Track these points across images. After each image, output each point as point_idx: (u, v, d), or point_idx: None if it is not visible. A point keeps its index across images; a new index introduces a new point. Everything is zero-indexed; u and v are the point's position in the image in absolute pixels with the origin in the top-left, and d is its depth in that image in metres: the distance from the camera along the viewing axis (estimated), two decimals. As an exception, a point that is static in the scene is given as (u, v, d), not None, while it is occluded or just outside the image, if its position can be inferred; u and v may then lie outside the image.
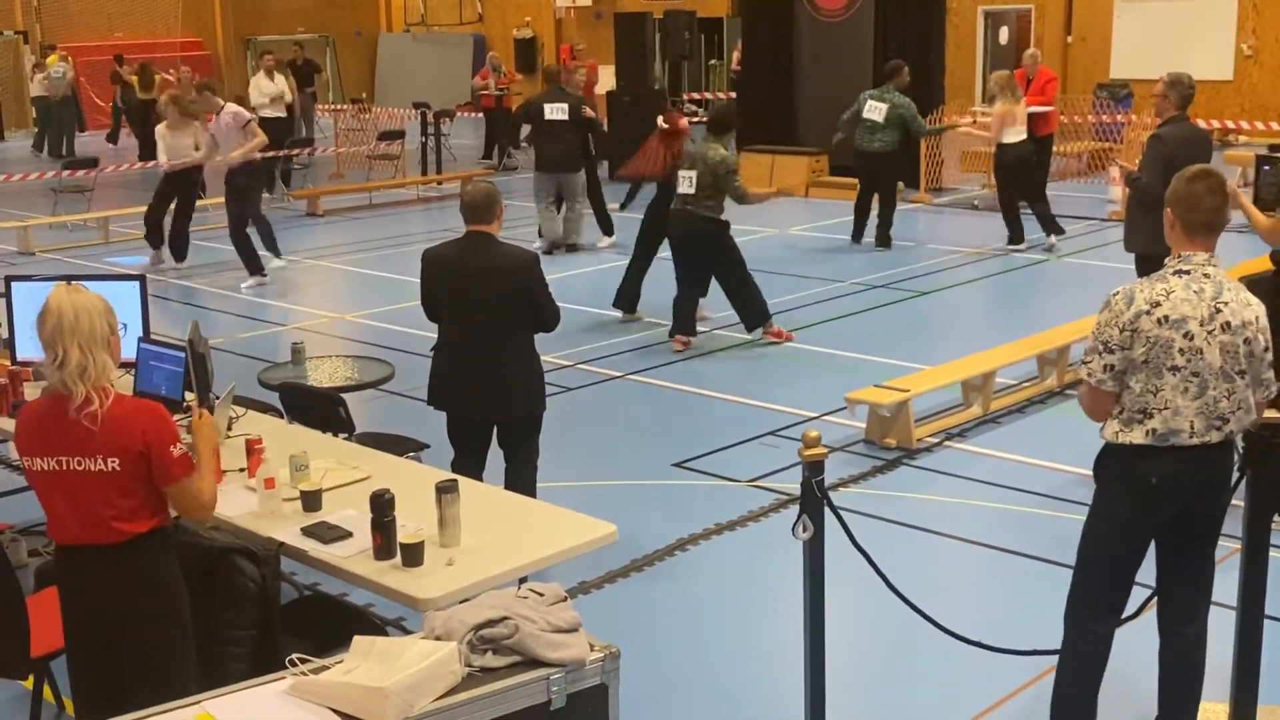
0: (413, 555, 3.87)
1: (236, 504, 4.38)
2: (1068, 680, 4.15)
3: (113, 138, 24.46)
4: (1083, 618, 4.10)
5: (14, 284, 5.71)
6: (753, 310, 9.52)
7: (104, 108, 25.35)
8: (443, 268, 5.54)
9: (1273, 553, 4.22)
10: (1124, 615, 4.17)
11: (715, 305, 10.16)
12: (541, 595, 3.32)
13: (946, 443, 7.40)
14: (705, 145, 9.29)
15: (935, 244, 13.32)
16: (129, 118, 23.20)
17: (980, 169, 16.23)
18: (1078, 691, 4.13)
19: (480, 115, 21.90)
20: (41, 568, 5.00)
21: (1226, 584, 4.36)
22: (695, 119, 18.60)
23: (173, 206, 12.79)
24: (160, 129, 12.57)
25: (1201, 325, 3.78)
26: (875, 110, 12.87)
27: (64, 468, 3.55)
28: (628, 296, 10.25)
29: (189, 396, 5.17)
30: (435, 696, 3.00)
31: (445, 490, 4.02)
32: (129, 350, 4.97)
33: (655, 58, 20.37)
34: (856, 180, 13.70)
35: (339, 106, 23.88)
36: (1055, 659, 4.25)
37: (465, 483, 4.28)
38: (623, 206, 15.05)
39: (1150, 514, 3.95)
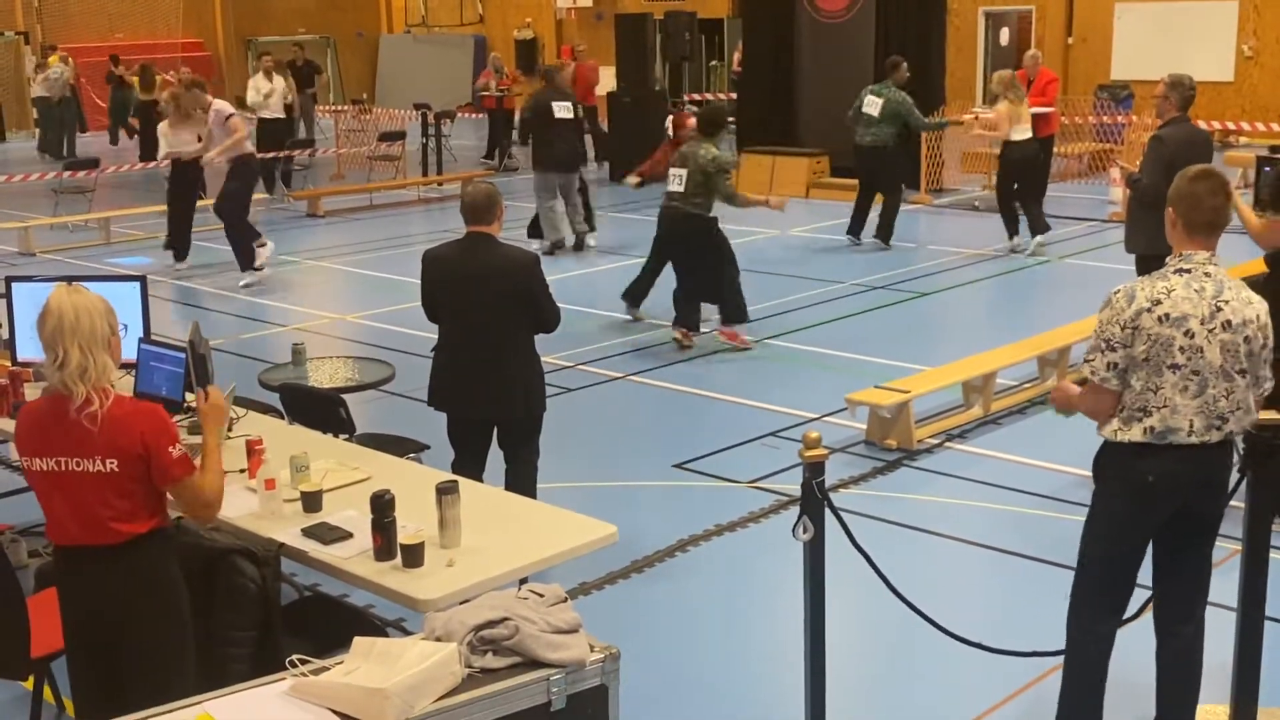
0: (413, 556, 3.87)
1: (237, 505, 4.38)
2: (1072, 681, 4.16)
3: (114, 138, 24.47)
4: (1084, 618, 4.11)
5: (14, 284, 5.71)
6: (731, 305, 9.52)
7: (105, 108, 25.36)
8: (443, 268, 5.54)
9: (1273, 554, 4.22)
10: (1124, 616, 4.18)
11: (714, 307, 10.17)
12: (542, 596, 3.32)
13: (947, 444, 7.40)
14: (696, 145, 9.32)
15: (936, 245, 13.32)
16: (120, 118, 23.27)
17: (981, 169, 16.23)
18: (1082, 692, 4.14)
19: (482, 116, 21.93)
20: (42, 568, 5.00)
21: (1227, 586, 4.36)
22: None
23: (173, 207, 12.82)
24: (162, 127, 12.60)
25: (1202, 324, 3.78)
26: (872, 105, 13.01)
27: (63, 468, 3.56)
28: (634, 294, 10.24)
29: (189, 397, 5.17)
30: (435, 697, 3.00)
31: (445, 491, 4.02)
32: (129, 351, 4.97)
33: (656, 59, 20.37)
34: (856, 181, 13.74)
35: (340, 107, 23.89)
36: (1056, 660, 4.26)
37: (465, 484, 4.28)
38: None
39: (1149, 512, 3.95)
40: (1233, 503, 4.14)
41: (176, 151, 12.23)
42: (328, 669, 3.11)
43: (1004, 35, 22.09)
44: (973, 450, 7.32)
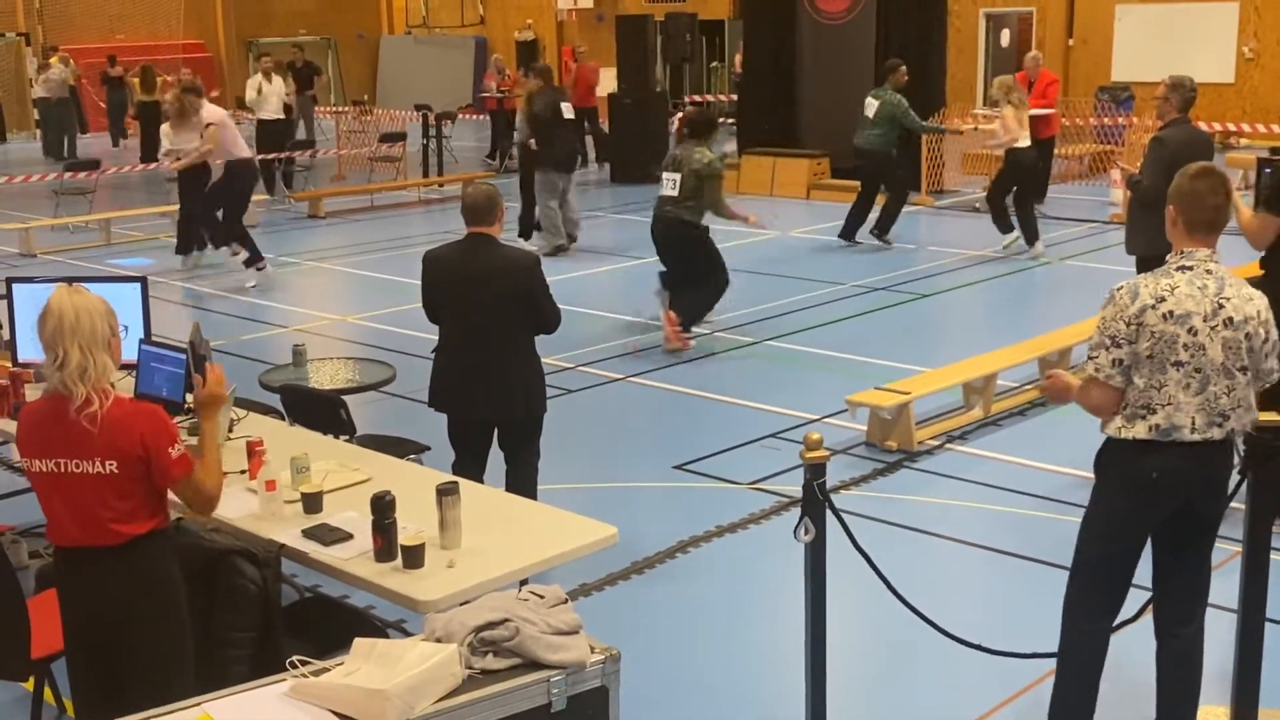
0: (413, 557, 3.87)
1: (237, 506, 4.38)
2: (1066, 679, 4.16)
3: (115, 139, 24.50)
4: (1078, 616, 4.11)
5: (15, 285, 5.71)
6: (693, 312, 9.50)
7: (105, 109, 25.39)
8: (444, 269, 5.54)
9: (1274, 556, 4.22)
10: (1124, 618, 4.18)
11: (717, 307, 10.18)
12: (542, 597, 3.32)
13: (947, 445, 7.40)
14: (689, 148, 9.28)
15: (936, 246, 13.33)
16: (119, 118, 23.31)
17: (982, 171, 16.22)
18: (1076, 691, 4.13)
19: (483, 117, 21.97)
20: (42, 569, 5.00)
21: (1227, 587, 4.36)
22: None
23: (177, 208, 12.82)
24: (165, 128, 12.62)
25: (1205, 321, 3.79)
26: (870, 107, 13.16)
27: (62, 470, 3.56)
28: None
29: (190, 398, 5.17)
30: (436, 699, 3.00)
31: (446, 492, 4.02)
32: (130, 352, 4.97)
33: (657, 60, 20.39)
34: (858, 182, 13.79)
35: (341, 108, 23.91)
36: (1055, 661, 4.25)
37: (466, 485, 4.28)
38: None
39: (1149, 510, 3.95)
40: (1233, 504, 4.14)
41: (177, 149, 12.24)
42: (328, 670, 3.11)
43: (1005, 37, 22.10)
44: (973, 452, 7.32)
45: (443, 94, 26.26)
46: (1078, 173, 17.53)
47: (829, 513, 4.01)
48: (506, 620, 3.17)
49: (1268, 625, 4.24)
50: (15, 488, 6.64)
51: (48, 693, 4.33)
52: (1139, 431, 3.86)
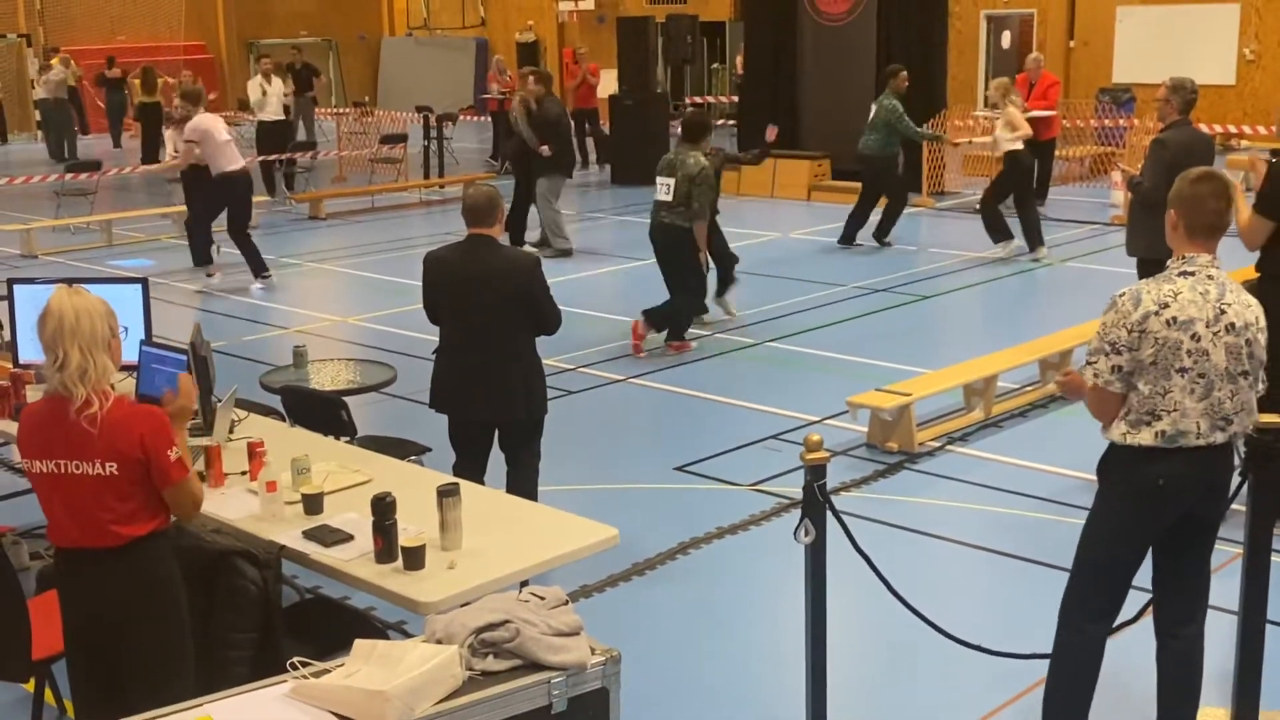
0: (414, 558, 3.87)
1: (238, 507, 4.39)
2: (1059, 682, 4.14)
3: (116, 140, 24.52)
4: (1075, 619, 4.10)
5: (16, 286, 5.72)
6: (676, 322, 9.51)
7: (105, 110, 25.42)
8: (444, 271, 5.54)
9: (1274, 557, 4.22)
10: (1123, 619, 4.18)
11: (715, 310, 10.19)
12: (543, 599, 3.32)
13: (948, 447, 7.40)
14: (682, 153, 9.25)
15: (937, 248, 13.33)
16: (118, 120, 23.31)
17: (983, 173, 16.23)
18: (1069, 694, 4.12)
19: (484, 119, 21.98)
20: (43, 571, 5.00)
21: (1228, 589, 4.36)
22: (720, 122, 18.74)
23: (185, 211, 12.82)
24: (169, 133, 12.63)
25: (1208, 327, 3.78)
26: (871, 112, 13.28)
27: (62, 471, 3.56)
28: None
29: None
30: (436, 700, 3.00)
31: (446, 493, 4.02)
32: (131, 353, 4.97)
33: (658, 62, 20.40)
34: (857, 184, 13.83)
35: (341, 110, 23.92)
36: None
37: (467, 486, 4.28)
38: None
39: (1155, 516, 3.95)
40: (1234, 506, 4.14)
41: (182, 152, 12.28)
42: (328, 671, 3.11)
43: (1005, 38, 22.11)
44: (974, 453, 7.32)
45: (444, 95, 26.29)
46: (1078, 174, 17.53)
47: (829, 514, 4.01)
48: (507, 622, 3.17)
49: (1269, 627, 4.24)
50: (16, 489, 6.65)
51: (48, 694, 4.33)
52: (1145, 438, 3.85)
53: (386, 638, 3.90)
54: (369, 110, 22.40)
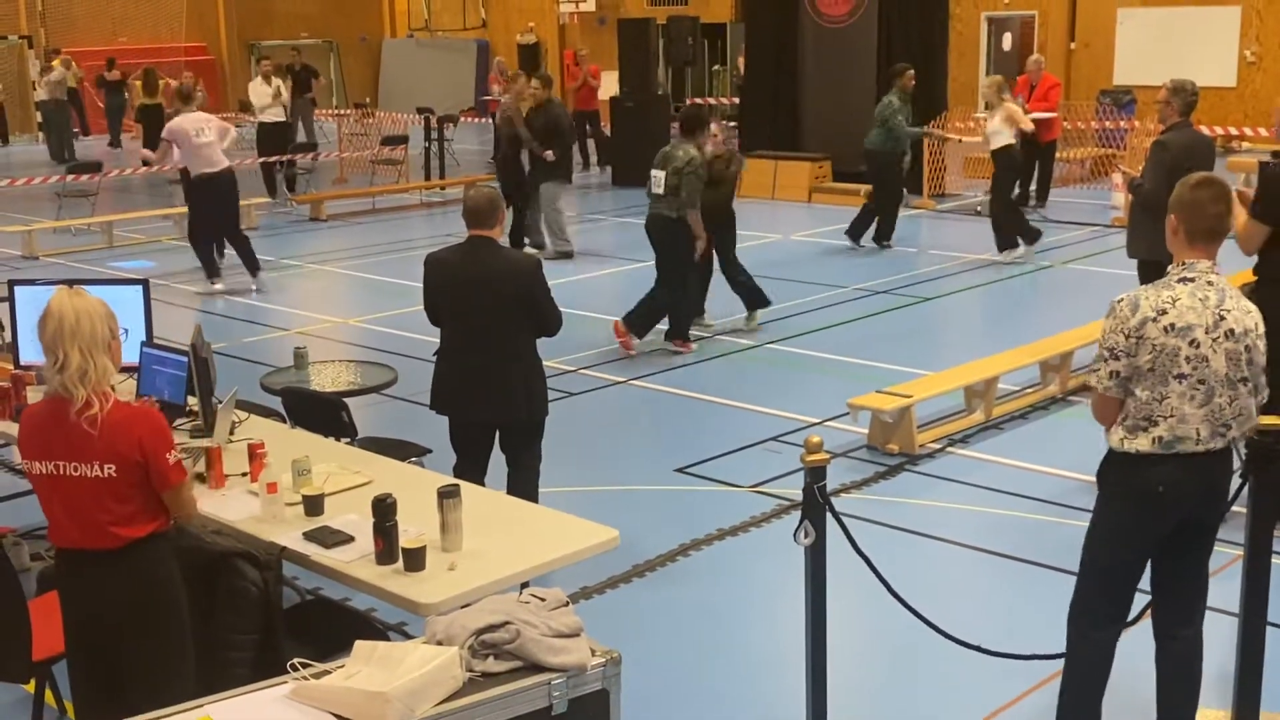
0: (414, 560, 3.87)
1: (239, 508, 4.39)
2: (1072, 686, 4.17)
3: (115, 141, 24.52)
4: (1083, 624, 4.11)
5: (17, 288, 5.72)
6: (677, 319, 9.53)
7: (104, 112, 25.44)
8: (445, 272, 5.55)
9: (1275, 559, 4.22)
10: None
11: (716, 310, 10.18)
12: (543, 600, 3.32)
13: (949, 448, 7.40)
14: (677, 146, 9.26)
15: (938, 250, 13.33)
16: (117, 121, 23.31)
17: (983, 175, 16.23)
18: (1081, 698, 4.14)
19: (485, 121, 21.99)
20: (44, 572, 5.01)
21: (1228, 591, 4.36)
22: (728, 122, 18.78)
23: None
24: None
25: (1207, 333, 3.78)
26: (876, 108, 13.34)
27: (62, 472, 3.56)
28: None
29: (191, 401, 5.18)
30: (436, 701, 3.00)
31: (447, 495, 4.02)
32: (132, 354, 4.98)
33: (659, 63, 20.40)
34: (860, 187, 13.85)
35: (342, 111, 23.93)
36: (1056, 665, 4.26)
37: (467, 487, 4.28)
38: None
39: (1155, 521, 3.95)
40: (1234, 508, 4.14)
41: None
42: (329, 673, 3.11)
43: (1006, 40, 22.11)
44: (975, 455, 7.32)
45: (445, 97, 26.30)
46: (1079, 176, 17.53)
47: (830, 516, 4.01)
48: (507, 623, 3.17)
49: (1269, 629, 4.24)
50: (17, 490, 6.65)
51: (49, 695, 4.33)
52: (1142, 444, 3.86)
53: (387, 639, 3.90)
54: (370, 112, 22.41)
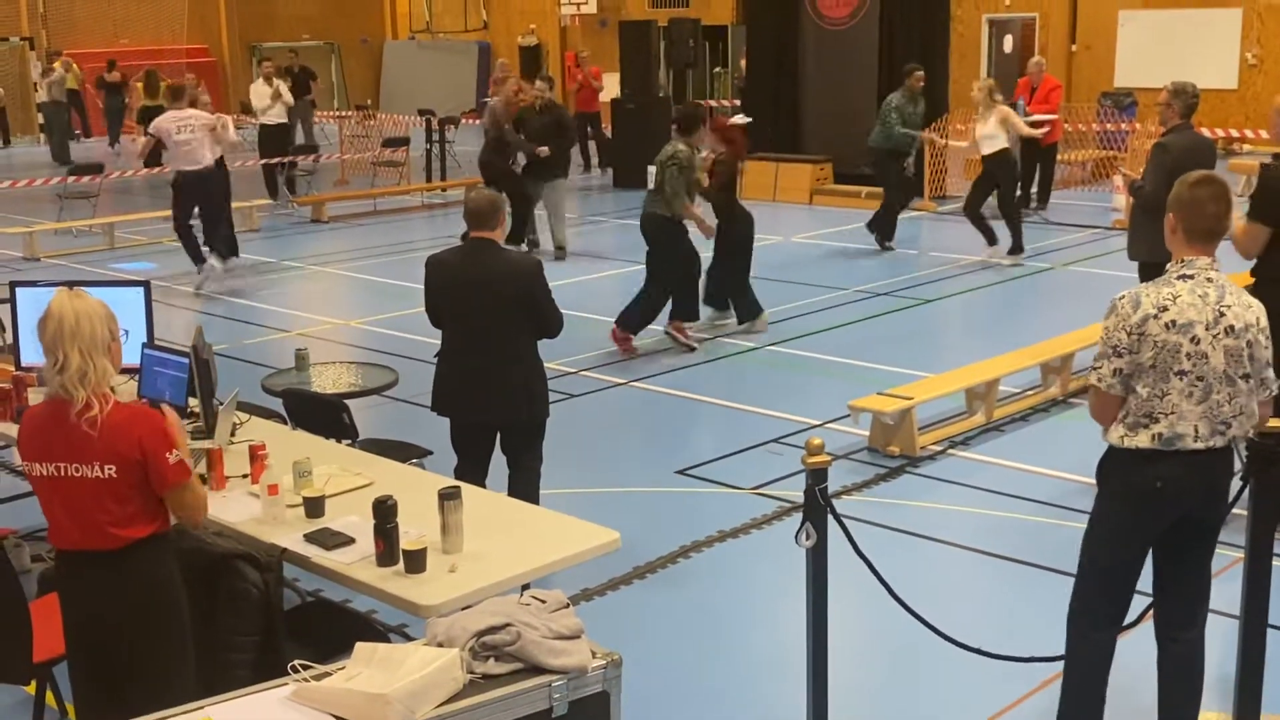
0: (415, 562, 3.87)
1: (239, 510, 4.39)
2: (1072, 687, 4.17)
3: (113, 142, 24.52)
4: (1083, 625, 4.11)
5: (19, 289, 5.72)
6: (680, 306, 9.57)
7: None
8: (446, 274, 5.55)
9: (1276, 561, 4.22)
10: (1124, 623, 4.17)
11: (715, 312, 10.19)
12: (544, 602, 3.32)
13: (950, 450, 7.40)
14: (672, 143, 9.28)
15: (939, 251, 13.33)
16: (116, 122, 23.30)
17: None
18: (1082, 699, 4.14)
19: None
20: (45, 573, 5.00)
21: (1229, 593, 4.36)
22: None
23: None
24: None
25: (1207, 329, 3.79)
26: None
27: (62, 473, 3.56)
28: (712, 295, 10.23)
29: (192, 402, 5.18)
30: (437, 703, 3.00)
31: (448, 497, 4.02)
32: (133, 356, 4.98)
33: (660, 65, 20.42)
34: (860, 188, 13.87)
35: (344, 113, 23.94)
36: (1057, 667, 4.26)
37: (468, 489, 4.28)
38: None
39: (1153, 518, 3.95)
40: (1235, 510, 4.14)
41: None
42: (329, 674, 3.11)
43: (1008, 42, 22.11)
44: (975, 457, 7.31)
45: (446, 99, 26.30)
46: (1080, 178, 17.54)
47: (830, 518, 4.01)
48: (508, 625, 3.17)
49: (1270, 631, 4.24)
50: (18, 491, 6.65)
51: (49, 696, 4.33)
52: (1142, 441, 3.86)
53: (388, 641, 3.90)
54: (371, 113, 22.42)
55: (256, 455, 4.60)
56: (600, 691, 3.22)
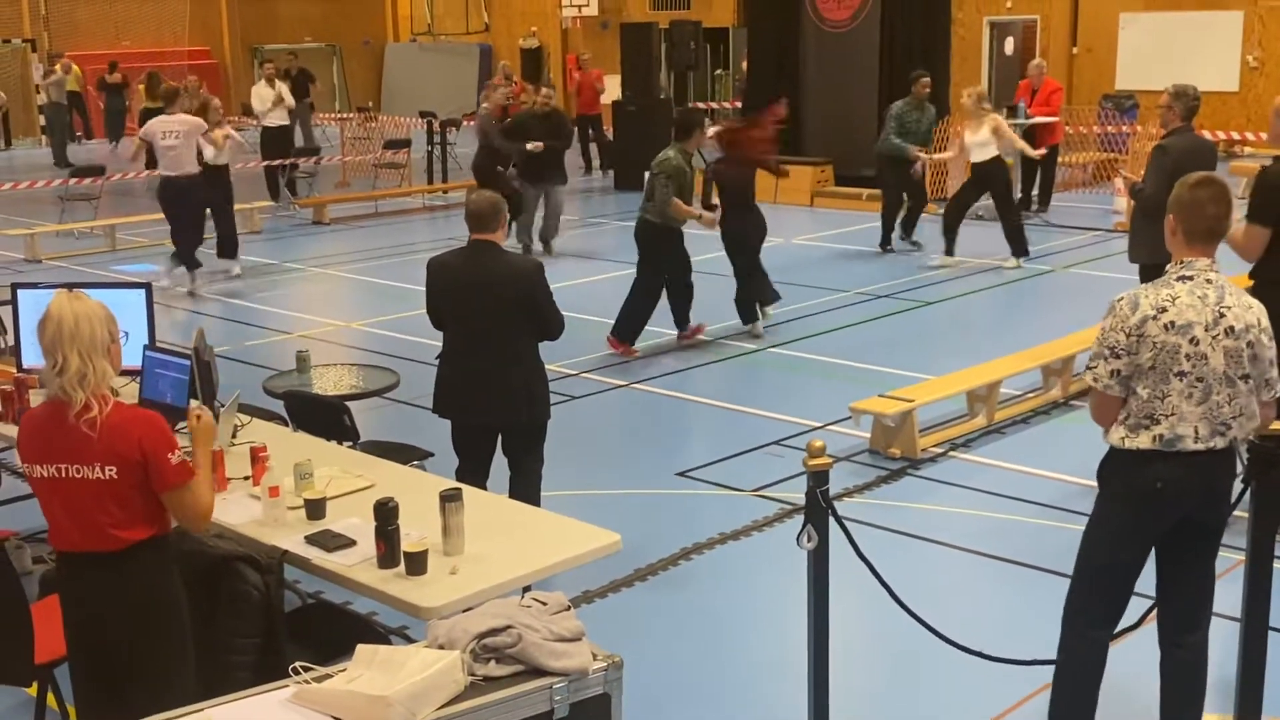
0: (416, 564, 3.87)
1: (240, 511, 4.39)
2: (1064, 687, 4.15)
3: (112, 141, 24.54)
4: (1078, 625, 4.10)
5: (20, 291, 5.73)
6: (680, 311, 9.65)
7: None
8: (447, 276, 5.55)
9: (1277, 564, 4.22)
10: (1125, 625, 4.17)
11: (712, 316, 10.18)
12: (545, 604, 3.32)
13: (951, 453, 7.39)
14: (664, 150, 9.29)
15: (940, 253, 13.30)
16: (116, 124, 23.30)
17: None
18: (1074, 699, 4.12)
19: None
20: (46, 575, 5.00)
21: (1230, 596, 4.36)
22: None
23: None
24: None
25: (1206, 330, 3.79)
26: None
27: (62, 475, 3.56)
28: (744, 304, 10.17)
29: (194, 403, 5.17)
30: (438, 705, 3.00)
31: (449, 499, 4.02)
32: (135, 358, 4.98)
33: (661, 68, 20.43)
34: (861, 190, 13.90)
35: (345, 115, 23.95)
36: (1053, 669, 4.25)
37: (469, 491, 4.28)
38: None
39: (1154, 520, 3.95)
40: (1236, 513, 4.14)
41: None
42: (330, 676, 3.11)
43: (1009, 45, 22.11)
44: (977, 459, 7.31)
45: (447, 101, 26.32)
46: (1081, 181, 17.53)
47: (832, 520, 4.01)
48: (509, 627, 3.17)
49: (1271, 634, 4.24)
50: (19, 493, 6.65)
51: (51, 698, 4.33)
52: (1143, 442, 3.86)
53: (389, 643, 3.90)
54: (372, 115, 22.43)
55: (257, 457, 4.60)
56: (601, 694, 3.22)
